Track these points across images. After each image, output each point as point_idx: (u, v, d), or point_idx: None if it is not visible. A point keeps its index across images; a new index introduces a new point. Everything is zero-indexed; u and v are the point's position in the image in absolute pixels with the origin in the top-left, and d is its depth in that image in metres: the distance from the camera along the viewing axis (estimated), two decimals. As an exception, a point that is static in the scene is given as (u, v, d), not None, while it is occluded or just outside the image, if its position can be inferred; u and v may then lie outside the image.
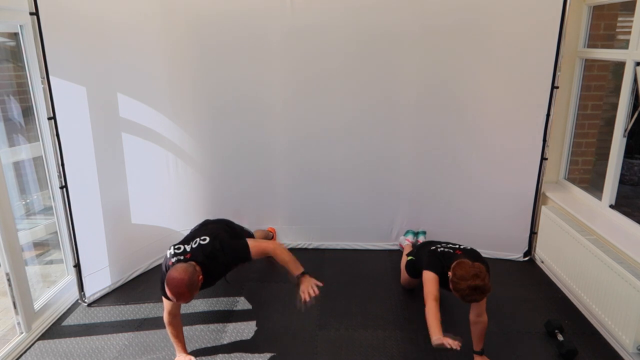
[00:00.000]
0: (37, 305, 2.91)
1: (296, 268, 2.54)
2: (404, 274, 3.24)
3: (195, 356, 2.66)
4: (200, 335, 2.86)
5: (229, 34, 3.47)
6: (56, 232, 3.23)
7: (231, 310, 3.11)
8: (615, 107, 3.00)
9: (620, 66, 3.04)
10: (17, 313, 2.75)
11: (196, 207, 3.87)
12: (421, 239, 3.79)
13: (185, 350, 2.65)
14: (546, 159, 3.53)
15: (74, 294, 3.20)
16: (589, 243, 2.89)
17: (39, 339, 2.83)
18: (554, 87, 3.36)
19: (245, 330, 2.90)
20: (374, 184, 3.80)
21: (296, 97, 3.61)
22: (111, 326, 2.95)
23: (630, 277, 2.49)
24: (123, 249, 3.39)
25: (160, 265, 2.82)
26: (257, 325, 2.95)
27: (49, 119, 2.79)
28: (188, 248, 2.56)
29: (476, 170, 3.64)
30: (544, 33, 3.27)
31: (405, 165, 3.74)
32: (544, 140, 3.48)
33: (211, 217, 3.24)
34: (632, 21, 2.86)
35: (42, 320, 2.92)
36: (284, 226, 3.96)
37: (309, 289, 2.46)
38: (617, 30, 3.48)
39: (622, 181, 5.49)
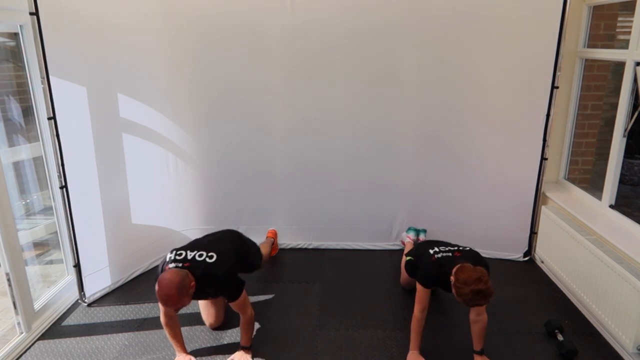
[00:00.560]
0: (37, 305, 2.91)
1: (247, 340, 2.66)
2: (403, 274, 3.24)
3: (195, 356, 2.66)
4: (200, 335, 2.86)
5: (229, 33, 3.47)
6: (56, 232, 3.23)
7: (231, 310, 3.10)
8: (615, 107, 3.01)
9: (620, 66, 3.04)
10: (17, 313, 2.74)
11: (196, 207, 3.87)
12: (422, 237, 3.79)
13: (184, 350, 2.64)
14: (546, 158, 3.53)
15: (74, 294, 3.20)
16: (589, 243, 2.89)
17: (39, 339, 2.83)
18: (554, 87, 3.36)
19: (245, 330, 2.90)
20: (374, 184, 3.80)
21: (296, 96, 3.61)
22: (111, 326, 2.95)
23: (630, 277, 2.50)
24: (123, 249, 3.39)
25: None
26: (257, 325, 2.95)
27: (49, 119, 2.79)
28: (189, 256, 2.50)
29: (476, 170, 3.64)
30: (544, 33, 3.27)
31: (405, 165, 3.74)
32: (544, 140, 3.48)
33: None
34: (632, 21, 2.86)
35: (42, 320, 2.92)
36: (284, 226, 3.96)
37: (240, 358, 2.61)
38: (617, 30, 3.48)
39: (622, 181, 5.50)
